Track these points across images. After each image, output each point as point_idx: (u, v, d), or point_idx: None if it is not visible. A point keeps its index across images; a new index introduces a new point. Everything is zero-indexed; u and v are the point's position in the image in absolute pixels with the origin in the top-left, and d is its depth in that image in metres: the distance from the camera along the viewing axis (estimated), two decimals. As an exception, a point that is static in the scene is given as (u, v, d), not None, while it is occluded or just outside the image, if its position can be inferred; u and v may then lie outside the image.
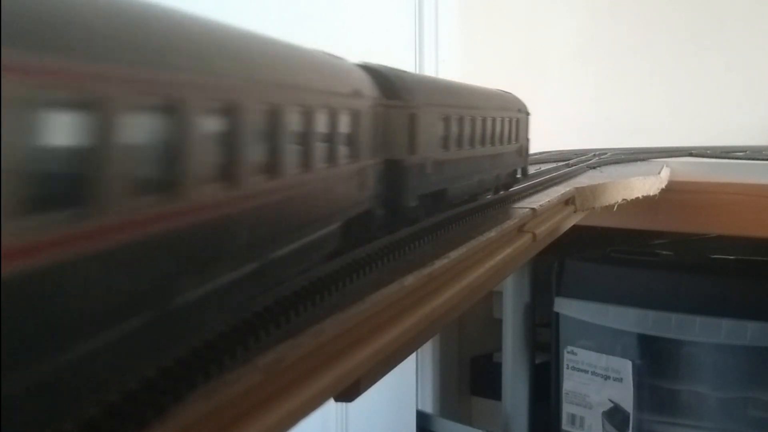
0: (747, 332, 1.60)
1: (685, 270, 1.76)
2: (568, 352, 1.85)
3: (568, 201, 1.28)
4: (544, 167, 1.59)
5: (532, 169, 1.50)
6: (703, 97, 2.71)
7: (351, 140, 0.67)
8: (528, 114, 1.41)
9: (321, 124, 0.59)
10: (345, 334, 0.56)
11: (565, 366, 1.86)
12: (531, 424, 2.02)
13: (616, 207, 1.41)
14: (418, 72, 2.42)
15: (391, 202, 0.80)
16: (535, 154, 1.94)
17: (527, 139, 1.40)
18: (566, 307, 1.85)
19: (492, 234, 0.88)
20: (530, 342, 2.02)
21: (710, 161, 2.25)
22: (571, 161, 1.71)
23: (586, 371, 1.82)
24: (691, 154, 2.33)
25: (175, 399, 0.38)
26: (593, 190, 1.34)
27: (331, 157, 0.62)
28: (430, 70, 2.45)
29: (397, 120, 0.78)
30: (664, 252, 1.86)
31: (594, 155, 1.88)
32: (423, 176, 0.85)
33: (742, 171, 1.97)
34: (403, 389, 2.31)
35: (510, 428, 2.04)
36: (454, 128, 0.94)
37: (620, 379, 1.76)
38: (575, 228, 1.32)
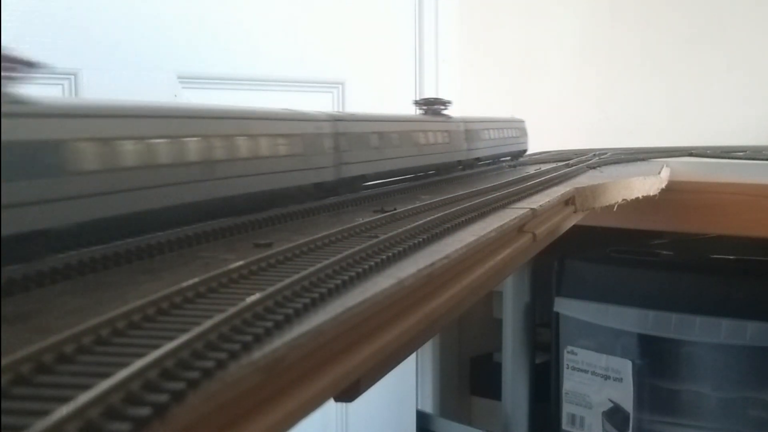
0: (747, 332, 1.60)
1: (685, 270, 1.75)
2: (568, 352, 1.85)
3: (568, 201, 1.27)
4: (544, 167, 1.59)
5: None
6: (703, 97, 2.71)
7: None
8: None
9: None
10: (345, 334, 0.56)
11: (565, 366, 1.86)
12: (531, 424, 2.02)
13: (616, 207, 1.41)
14: (417, 72, 2.43)
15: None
16: (535, 154, 1.94)
17: None
18: (566, 307, 1.85)
19: (492, 234, 0.88)
20: (530, 342, 2.02)
21: (710, 161, 2.25)
22: (571, 161, 1.70)
23: (586, 371, 1.82)
24: (691, 154, 2.32)
25: (175, 399, 0.38)
26: (593, 190, 1.34)
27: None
28: (430, 70, 2.46)
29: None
30: (664, 252, 1.86)
31: (594, 155, 1.87)
32: None
33: (742, 171, 1.97)
34: (403, 389, 2.31)
35: (510, 428, 2.04)
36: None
37: (620, 379, 1.76)
38: (575, 228, 1.31)
